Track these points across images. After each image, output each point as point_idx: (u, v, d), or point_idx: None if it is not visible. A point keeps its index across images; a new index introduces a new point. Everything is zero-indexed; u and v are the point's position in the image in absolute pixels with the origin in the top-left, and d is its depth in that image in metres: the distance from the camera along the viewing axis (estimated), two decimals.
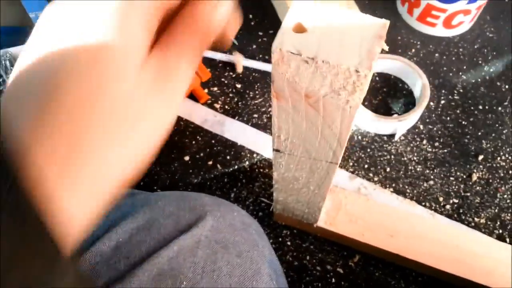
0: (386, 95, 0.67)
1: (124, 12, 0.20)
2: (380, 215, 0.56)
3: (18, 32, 0.71)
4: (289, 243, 0.58)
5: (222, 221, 0.41)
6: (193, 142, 0.65)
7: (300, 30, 0.27)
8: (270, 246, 0.45)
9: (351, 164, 0.63)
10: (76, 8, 0.20)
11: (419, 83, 0.64)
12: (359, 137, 0.64)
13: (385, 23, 0.27)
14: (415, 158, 0.63)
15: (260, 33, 0.74)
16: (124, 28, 0.19)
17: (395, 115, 0.62)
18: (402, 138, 0.64)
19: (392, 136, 0.64)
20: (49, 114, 0.18)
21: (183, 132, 0.65)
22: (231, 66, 0.70)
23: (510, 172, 0.62)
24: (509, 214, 0.59)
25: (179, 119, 0.66)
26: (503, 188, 0.61)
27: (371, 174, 0.62)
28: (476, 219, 0.59)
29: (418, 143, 0.64)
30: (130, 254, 0.37)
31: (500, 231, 0.58)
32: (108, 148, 0.20)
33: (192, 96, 0.68)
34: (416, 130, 0.64)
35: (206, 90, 0.68)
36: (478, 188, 0.61)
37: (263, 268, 0.40)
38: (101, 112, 0.19)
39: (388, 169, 0.62)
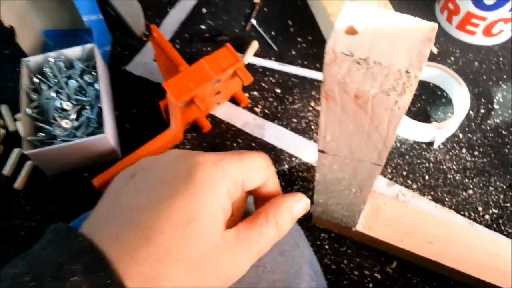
0: (425, 102, 0.68)
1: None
2: (418, 221, 0.56)
3: (71, 35, 0.75)
4: (327, 246, 0.59)
5: None
6: (234, 144, 0.67)
7: (351, 32, 0.28)
8: (310, 248, 0.46)
9: (389, 170, 0.63)
10: None
11: (458, 91, 0.64)
12: (398, 144, 0.65)
13: (434, 26, 0.28)
14: (454, 167, 0.63)
15: (299, 39, 0.75)
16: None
17: (434, 123, 0.62)
18: (441, 146, 0.64)
19: (431, 144, 0.64)
20: (144, 246, 0.26)
21: (225, 135, 0.67)
22: (271, 71, 0.72)
23: None
24: None
25: (221, 121, 0.68)
26: None
27: (409, 181, 0.62)
28: None
29: (457, 151, 0.64)
30: None
31: None
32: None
33: (234, 100, 0.70)
34: (456, 139, 0.64)
35: (247, 94, 0.70)
36: None
37: (304, 267, 0.41)
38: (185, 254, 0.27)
39: (426, 177, 0.62)
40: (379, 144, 0.36)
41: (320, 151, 0.41)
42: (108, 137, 0.60)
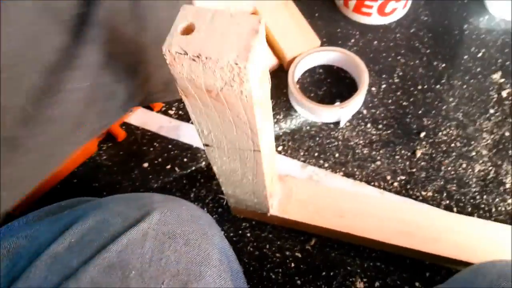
0: (330, 85, 0.70)
1: None
2: (328, 198, 0.59)
3: None
4: (248, 234, 0.61)
5: (169, 214, 0.43)
6: (151, 149, 0.68)
7: (187, 32, 0.30)
8: (221, 235, 0.48)
9: (301, 153, 0.66)
10: None
11: (358, 70, 0.67)
12: (308, 128, 0.67)
13: (259, 18, 0.30)
14: (361, 142, 0.66)
15: None
16: None
17: (338, 103, 0.65)
18: (348, 124, 0.67)
19: (338, 123, 0.67)
20: None
21: (140, 141, 0.68)
22: None
23: (452, 145, 0.65)
24: (454, 185, 0.62)
25: (135, 128, 0.69)
26: (446, 161, 0.64)
27: (321, 161, 0.65)
28: (423, 193, 0.62)
29: (363, 127, 0.67)
30: (81, 252, 0.39)
31: (448, 201, 0.62)
32: None
33: (147, 105, 0.71)
34: (360, 115, 0.68)
35: None
36: (422, 163, 0.64)
37: (211, 254, 0.43)
38: None
39: (337, 155, 0.65)
40: (247, 131, 0.37)
41: (205, 145, 0.43)
42: None
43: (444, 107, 0.68)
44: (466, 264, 0.54)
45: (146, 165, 0.66)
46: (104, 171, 0.66)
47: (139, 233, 0.41)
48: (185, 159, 0.67)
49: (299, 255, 0.60)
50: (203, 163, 0.66)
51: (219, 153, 0.44)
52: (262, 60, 0.33)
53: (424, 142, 0.65)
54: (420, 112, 0.67)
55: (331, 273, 0.58)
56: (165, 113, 0.70)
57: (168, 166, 0.66)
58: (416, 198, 0.62)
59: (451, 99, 0.68)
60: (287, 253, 0.60)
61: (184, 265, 0.41)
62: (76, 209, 0.45)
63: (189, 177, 0.65)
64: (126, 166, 0.66)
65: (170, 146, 0.68)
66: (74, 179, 0.66)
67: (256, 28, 0.30)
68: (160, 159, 0.67)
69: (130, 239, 0.40)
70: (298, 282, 0.58)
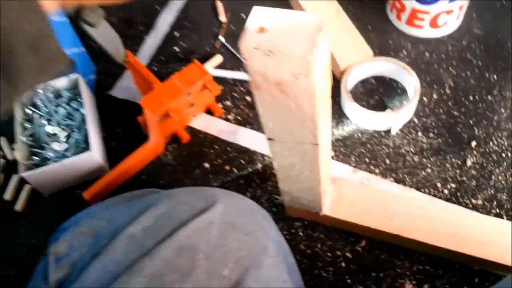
0: (382, 95, 0.74)
1: None
2: (378, 200, 0.61)
3: None
4: (301, 233, 0.65)
5: (231, 207, 0.48)
6: (211, 150, 0.73)
7: (261, 31, 0.35)
8: (277, 229, 0.52)
9: (353, 159, 0.69)
10: None
11: (409, 80, 0.70)
12: (359, 134, 0.71)
13: (321, 18, 0.34)
14: (412, 150, 0.68)
15: None
16: None
17: (389, 110, 0.68)
18: (399, 132, 0.70)
19: (389, 131, 0.70)
20: None
21: (202, 143, 0.74)
22: (241, 82, 0.79)
23: (503, 155, 0.66)
24: (504, 194, 0.63)
25: (198, 131, 0.75)
26: (497, 170, 0.65)
27: (372, 167, 0.68)
28: (473, 201, 0.63)
29: (414, 135, 0.69)
30: (155, 234, 0.44)
31: (497, 210, 0.62)
32: None
33: (209, 111, 0.77)
34: (411, 124, 0.70)
35: (220, 105, 0.77)
36: (473, 172, 0.65)
37: (268, 245, 0.47)
38: None
39: (387, 161, 0.68)
40: (309, 124, 0.41)
41: (269, 139, 0.47)
42: (95, 154, 0.67)
43: (496, 117, 0.69)
44: None
45: (207, 165, 0.71)
46: (169, 170, 0.72)
47: (205, 221, 0.45)
48: (242, 161, 0.71)
49: (349, 255, 0.62)
50: (259, 165, 0.71)
51: (281, 147, 0.48)
52: (325, 56, 0.37)
53: (475, 151, 0.67)
54: (471, 122, 0.69)
55: (381, 274, 0.60)
56: (225, 118, 0.76)
57: (227, 167, 0.71)
58: (466, 206, 0.63)
59: (502, 110, 0.69)
60: (338, 252, 0.62)
61: (245, 252, 0.45)
62: (149, 197, 0.50)
63: (246, 178, 0.70)
64: (189, 165, 0.72)
65: (228, 149, 0.73)
66: (142, 175, 0.72)
67: (320, 26, 0.34)
68: (219, 160, 0.72)
69: (197, 225, 0.45)
70: (349, 281, 0.60)
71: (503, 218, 0.61)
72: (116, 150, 0.74)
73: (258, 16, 0.35)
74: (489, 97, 0.71)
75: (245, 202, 0.51)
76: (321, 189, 0.55)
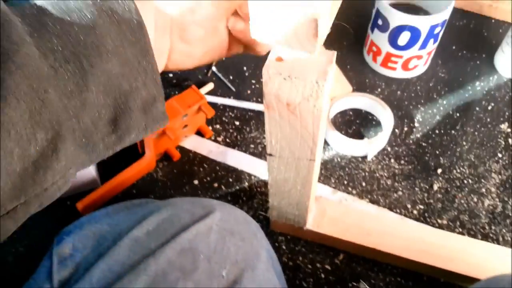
0: (359, 125, 0.82)
1: None
2: (357, 217, 0.68)
3: None
4: (284, 247, 0.70)
5: (228, 215, 0.52)
6: (201, 169, 0.78)
7: (279, 60, 0.41)
8: (266, 240, 0.56)
9: (332, 181, 0.76)
10: None
11: (384, 114, 0.78)
12: (338, 159, 0.78)
13: (333, 52, 0.41)
14: (385, 174, 0.76)
15: (253, 81, 0.89)
16: None
17: (366, 139, 0.76)
18: (374, 158, 0.77)
19: (365, 157, 0.77)
20: None
21: (192, 161, 0.78)
22: (231, 107, 0.85)
23: (465, 181, 0.75)
24: (466, 216, 0.71)
25: (188, 151, 0.80)
26: (459, 194, 0.73)
27: (350, 189, 0.75)
28: (439, 221, 0.71)
29: (387, 161, 0.77)
30: (158, 237, 0.47)
31: (460, 229, 0.70)
32: None
33: (199, 133, 0.82)
34: (385, 152, 0.78)
35: (210, 127, 0.82)
36: (439, 195, 0.73)
37: (261, 252, 0.51)
38: None
39: (363, 184, 0.75)
40: (310, 142, 0.48)
41: (269, 154, 0.53)
42: (89, 167, 0.70)
43: (459, 149, 0.78)
44: (476, 281, 0.62)
45: (196, 182, 0.76)
46: (160, 186, 0.76)
47: (205, 227, 0.49)
48: (230, 179, 0.76)
49: (328, 267, 0.68)
50: (246, 184, 0.76)
51: (279, 162, 0.54)
52: (331, 84, 0.44)
53: (440, 178, 0.75)
54: (437, 152, 0.78)
55: (357, 285, 0.66)
56: (214, 140, 0.81)
57: (215, 185, 0.76)
58: (432, 225, 0.71)
59: (464, 143, 0.79)
60: (318, 265, 0.68)
61: (241, 256, 0.49)
62: (150, 205, 0.54)
63: (233, 195, 0.75)
64: (179, 182, 0.76)
65: (217, 168, 0.78)
66: (133, 190, 0.75)
67: (331, 59, 0.41)
68: (208, 178, 0.77)
69: (198, 230, 0.48)
70: None
71: (465, 236, 0.69)
72: (107, 164, 0.77)
73: (277, 49, 0.42)
74: (452, 131, 0.80)
75: (240, 213, 0.55)
76: (308, 204, 0.61)
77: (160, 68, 0.38)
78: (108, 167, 0.76)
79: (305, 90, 0.41)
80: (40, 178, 0.27)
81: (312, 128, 0.46)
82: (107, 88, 0.29)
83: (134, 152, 0.77)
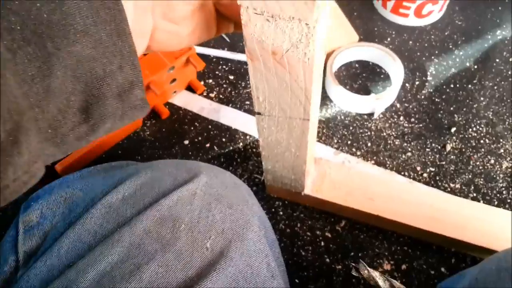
0: (366, 79, 0.74)
1: None
2: (360, 181, 0.62)
3: None
4: (281, 213, 0.64)
5: (215, 179, 0.47)
6: (192, 128, 0.71)
7: None
8: (259, 205, 0.51)
9: (335, 141, 0.69)
10: None
11: (393, 66, 0.70)
12: (342, 117, 0.71)
13: None
14: (393, 133, 0.69)
15: None
16: None
17: (373, 95, 0.68)
18: (381, 116, 0.70)
19: (371, 114, 0.70)
20: None
21: (182, 120, 0.72)
22: (225, 60, 0.77)
23: (481, 141, 0.67)
24: (481, 179, 0.65)
25: (178, 108, 0.73)
26: (475, 156, 0.66)
27: (354, 149, 0.68)
28: (451, 185, 0.65)
29: (395, 119, 0.70)
30: (135, 204, 0.42)
31: (474, 194, 0.64)
32: None
33: (190, 88, 0.75)
34: (393, 109, 0.71)
35: (202, 82, 0.75)
36: (452, 157, 0.67)
37: (252, 220, 0.46)
38: None
39: (369, 144, 0.68)
40: (302, 97, 0.41)
41: (257, 113, 0.46)
42: None
43: (475, 105, 0.70)
44: (491, 252, 0.56)
45: (186, 142, 0.70)
46: (147, 146, 0.70)
47: (188, 192, 0.44)
48: (223, 139, 0.70)
49: (329, 235, 0.62)
50: (241, 144, 0.70)
51: (269, 122, 0.47)
52: (325, 28, 0.36)
53: (454, 137, 0.68)
54: (451, 108, 0.70)
55: (359, 254, 0.61)
56: (206, 96, 0.74)
57: (207, 145, 0.70)
58: (444, 190, 0.65)
59: (482, 99, 0.71)
60: (318, 232, 0.63)
61: (229, 225, 0.44)
62: (129, 168, 0.49)
63: (227, 156, 0.69)
64: (167, 142, 0.70)
65: (210, 127, 0.71)
66: (118, 150, 0.70)
67: None
68: (200, 138, 0.70)
69: (180, 196, 0.43)
70: (327, 260, 0.61)
71: (479, 202, 0.63)
72: None
73: None
74: (469, 85, 0.72)
75: (229, 176, 0.50)
76: (305, 168, 0.54)
77: (141, 50, 0.34)
78: None
79: (293, 34, 0.34)
80: None
81: (304, 81, 0.39)
82: (77, 72, 0.26)
83: None
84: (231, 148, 0.69)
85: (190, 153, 0.69)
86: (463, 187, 0.64)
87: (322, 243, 0.62)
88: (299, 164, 0.54)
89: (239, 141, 0.70)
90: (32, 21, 0.24)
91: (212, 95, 0.74)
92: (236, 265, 0.42)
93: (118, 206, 0.43)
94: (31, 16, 0.24)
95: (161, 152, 0.70)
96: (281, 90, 0.41)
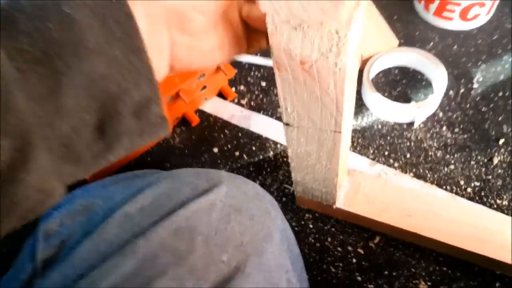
0: (405, 86, 0.70)
1: None
2: (397, 195, 0.58)
3: None
4: (311, 225, 0.61)
5: (236, 189, 0.45)
6: (222, 135, 0.70)
7: None
8: (283, 218, 0.49)
9: (371, 151, 0.65)
10: None
11: (436, 72, 0.66)
12: (379, 126, 0.67)
13: None
14: (435, 144, 0.64)
15: None
16: None
17: (413, 102, 0.64)
18: (422, 125, 0.66)
19: (411, 124, 0.66)
20: None
21: (212, 127, 0.70)
22: (257, 66, 0.75)
23: None
24: None
25: (208, 115, 0.72)
26: None
27: (391, 161, 0.64)
28: (498, 201, 0.60)
29: (437, 129, 0.66)
30: (152, 214, 0.41)
31: None
32: None
33: (221, 95, 0.73)
34: (436, 118, 0.66)
35: (233, 89, 0.73)
36: (500, 171, 0.62)
37: (274, 233, 0.44)
38: None
39: (408, 155, 0.64)
40: (333, 109, 0.38)
41: (286, 124, 0.44)
42: None
43: None
44: None
45: (216, 150, 0.68)
46: (176, 153, 0.69)
47: (207, 203, 0.42)
48: (253, 148, 0.68)
49: (361, 251, 0.59)
50: (271, 153, 0.67)
51: (298, 133, 0.44)
52: (359, 35, 0.33)
53: (502, 150, 0.63)
54: (500, 119, 0.65)
55: (394, 273, 0.57)
56: (238, 103, 0.72)
57: (237, 153, 0.68)
58: (490, 206, 0.60)
59: None
60: (349, 248, 0.59)
61: (248, 238, 0.42)
62: (149, 177, 0.47)
63: (256, 165, 0.67)
64: (197, 150, 0.69)
65: (240, 134, 0.69)
66: (148, 157, 0.69)
67: (358, 1, 0.30)
68: (229, 146, 0.69)
69: (198, 207, 0.42)
70: (359, 278, 0.57)
71: None
72: None
73: None
74: None
75: (251, 186, 0.48)
76: (336, 181, 0.51)
77: (163, 67, 0.33)
78: None
79: (322, 43, 0.31)
80: (7, 191, 0.24)
81: (335, 92, 0.36)
82: (90, 91, 0.26)
83: None
84: (261, 157, 0.67)
85: (219, 161, 0.67)
86: (511, 204, 0.59)
87: (354, 260, 0.58)
88: (330, 177, 0.51)
89: (269, 149, 0.68)
90: (43, 42, 0.24)
91: (243, 101, 0.72)
92: (253, 281, 0.39)
93: (135, 216, 0.42)
94: (42, 37, 0.24)
95: (190, 160, 0.68)
96: (311, 102, 0.38)
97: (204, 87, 0.69)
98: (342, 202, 0.58)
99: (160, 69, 0.32)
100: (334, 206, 0.58)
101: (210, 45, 0.35)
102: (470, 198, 0.60)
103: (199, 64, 0.36)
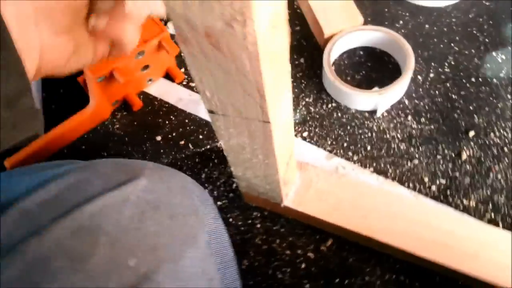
0: (370, 69, 0.63)
1: None
2: (353, 193, 0.51)
3: None
4: (258, 225, 0.55)
5: (158, 183, 0.38)
6: (167, 122, 0.62)
7: None
8: (217, 217, 0.42)
9: (329, 142, 0.59)
10: None
11: (403, 54, 0.59)
12: (339, 114, 0.60)
13: None
14: (398, 136, 0.58)
15: None
16: None
17: (376, 89, 0.58)
18: (385, 114, 0.59)
19: (374, 112, 0.59)
20: None
21: (157, 112, 0.63)
22: None
23: (505, 149, 0.56)
24: (502, 196, 0.53)
25: (153, 98, 0.64)
26: (496, 167, 0.55)
27: (350, 153, 0.58)
28: (465, 202, 0.54)
29: (402, 119, 0.59)
30: (53, 210, 0.35)
31: (492, 214, 0.53)
32: None
33: (168, 76, 0.66)
34: (401, 106, 0.60)
35: (182, 70, 0.66)
36: (468, 167, 0.55)
37: (199, 234, 0.37)
38: None
39: (368, 148, 0.58)
40: (255, 94, 0.31)
41: (210, 111, 0.37)
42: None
43: (500, 104, 0.58)
44: None
45: (159, 138, 0.61)
46: (115, 140, 0.62)
47: (119, 198, 0.36)
48: (200, 136, 0.61)
49: (311, 255, 0.53)
50: (219, 142, 0.60)
51: (225, 123, 0.37)
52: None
53: (472, 143, 0.56)
54: (471, 108, 0.59)
55: (346, 281, 0.51)
56: (187, 86, 0.65)
57: (182, 142, 0.61)
58: (456, 207, 0.54)
59: (509, 96, 0.59)
60: (299, 251, 0.53)
61: (164, 240, 0.35)
62: (61, 167, 0.41)
63: (203, 156, 0.60)
64: (138, 137, 0.62)
65: (186, 121, 0.62)
66: (82, 145, 0.61)
67: None
68: (174, 134, 0.61)
69: (107, 202, 0.35)
70: (307, 286, 0.51)
71: (498, 226, 0.52)
72: (56, 114, 0.64)
73: None
74: (494, 80, 0.60)
75: (179, 179, 0.41)
76: (279, 177, 0.45)
77: (33, 65, 0.34)
78: (57, 119, 0.61)
79: (223, 8, 0.24)
80: None
81: (252, 73, 0.29)
82: None
83: (87, 101, 0.63)
84: (208, 146, 0.60)
85: (162, 150, 0.60)
86: (479, 205, 0.53)
87: (303, 265, 0.52)
88: (271, 173, 0.44)
89: (218, 139, 0.61)
90: None
91: (192, 84, 0.65)
92: None
93: (34, 211, 0.35)
94: None
95: (130, 148, 0.61)
96: (230, 85, 0.31)
97: (146, 67, 0.61)
98: (291, 199, 0.52)
99: (28, 70, 0.33)
100: (282, 205, 0.51)
101: (71, 45, 0.38)
102: (435, 197, 0.54)
103: (62, 69, 0.39)
